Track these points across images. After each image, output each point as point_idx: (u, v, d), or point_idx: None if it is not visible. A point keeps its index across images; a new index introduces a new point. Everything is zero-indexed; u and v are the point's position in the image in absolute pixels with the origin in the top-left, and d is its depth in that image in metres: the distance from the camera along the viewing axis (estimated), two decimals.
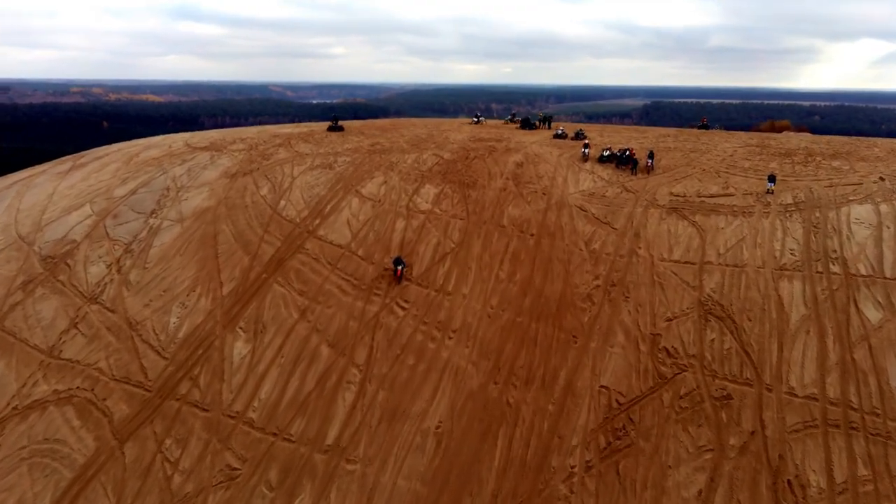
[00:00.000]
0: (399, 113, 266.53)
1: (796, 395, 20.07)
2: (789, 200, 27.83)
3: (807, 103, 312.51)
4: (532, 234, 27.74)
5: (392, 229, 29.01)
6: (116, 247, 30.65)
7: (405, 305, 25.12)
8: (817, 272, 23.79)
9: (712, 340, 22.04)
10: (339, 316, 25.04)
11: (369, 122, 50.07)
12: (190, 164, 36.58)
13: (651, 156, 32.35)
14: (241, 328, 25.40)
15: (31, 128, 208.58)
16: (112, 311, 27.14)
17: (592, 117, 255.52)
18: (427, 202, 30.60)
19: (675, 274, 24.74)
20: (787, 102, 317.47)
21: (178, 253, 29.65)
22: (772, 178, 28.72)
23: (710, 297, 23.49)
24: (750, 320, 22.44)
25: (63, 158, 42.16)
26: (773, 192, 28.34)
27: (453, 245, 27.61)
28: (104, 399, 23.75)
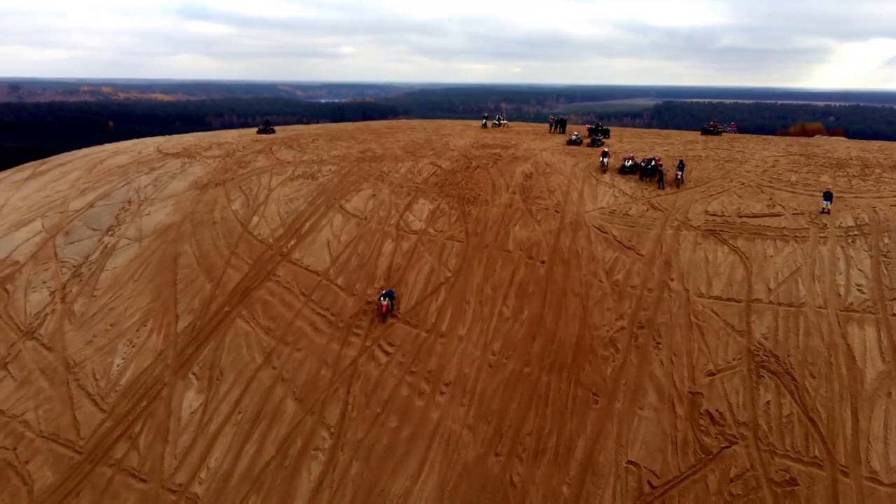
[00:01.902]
0: (407, 112, 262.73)
1: (881, 482, 15.66)
2: (850, 222, 23.35)
3: (821, 103, 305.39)
4: (542, 261, 23.42)
5: (378, 253, 24.79)
6: (64, 270, 26.66)
7: (389, 349, 20.90)
8: (893, 314, 19.35)
9: (767, 403, 17.65)
10: (310, 362, 20.86)
11: (363, 124, 46.05)
12: (158, 173, 32.58)
13: (681, 166, 27.93)
14: (194, 374, 21.29)
15: (36, 127, 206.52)
16: (49, 350, 23.13)
17: (603, 117, 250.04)
18: (420, 220, 26.36)
19: (717, 314, 20.34)
20: (800, 102, 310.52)
21: (131, 278, 25.62)
22: (827, 196, 24.23)
23: (762, 346, 19.08)
24: (814, 377, 18.03)
25: (24, 165, 38.37)
26: (829, 212, 23.88)
27: (449, 274, 23.35)
28: (26, 462, 19.70)
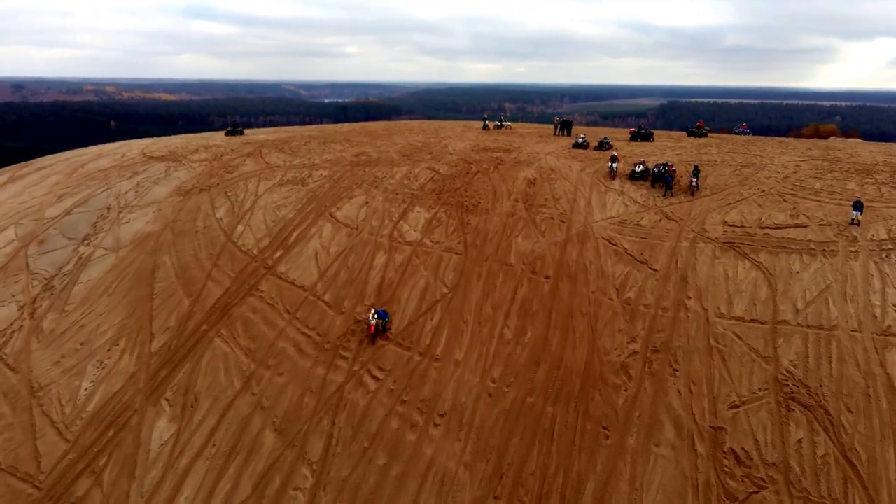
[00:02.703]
0: (411, 112, 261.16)
1: None
2: (883, 235, 21.44)
3: (827, 103, 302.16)
4: (547, 277, 21.57)
5: (370, 266, 22.98)
6: (35, 282, 24.96)
7: (379, 375, 19.08)
8: None
9: (799, 441, 15.76)
10: (293, 388, 19.06)
11: (359, 126, 44.23)
12: (140, 178, 30.86)
13: (696, 172, 26.03)
14: (167, 400, 19.52)
15: (37, 127, 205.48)
16: (13, 371, 21.41)
17: (608, 117, 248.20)
18: (416, 230, 24.54)
19: (740, 338, 18.45)
20: (806, 102, 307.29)
21: (106, 292, 23.89)
22: (857, 206, 22.30)
23: (791, 375, 17.19)
24: (850, 411, 16.13)
25: (4, 168, 36.68)
26: (859, 223, 21.97)
27: (446, 290, 21.52)
28: None
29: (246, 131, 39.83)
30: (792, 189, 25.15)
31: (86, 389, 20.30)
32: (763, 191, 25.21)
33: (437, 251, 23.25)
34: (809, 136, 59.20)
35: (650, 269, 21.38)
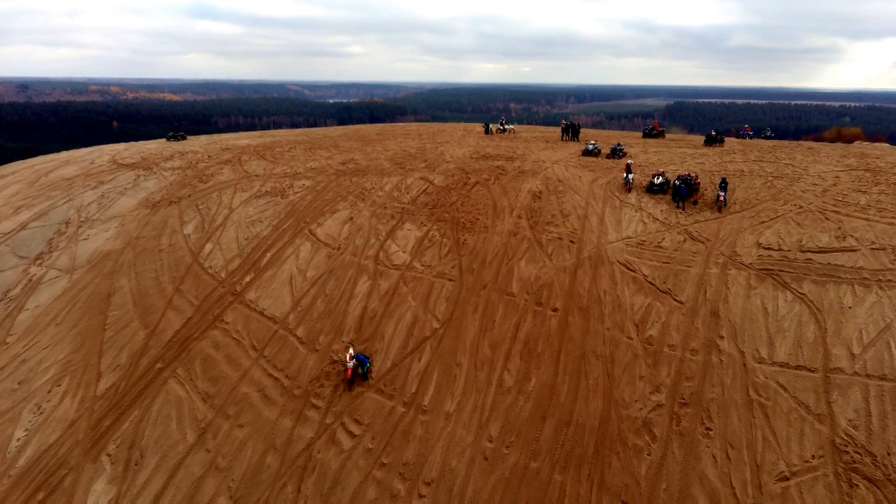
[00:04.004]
0: (416, 112, 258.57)
1: None
2: None
3: (835, 104, 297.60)
4: (555, 309, 18.60)
5: (350, 294, 20.06)
6: None
7: (355, 430, 16.14)
8: None
9: None
10: (254, 444, 16.15)
11: (351, 129, 41.30)
12: (106, 188, 28.06)
13: (723, 185, 22.98)
14: (108, 455, 16.65)
15: (38, 127, 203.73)
16: None
17: (614, 118, 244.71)
18: (404, 251, 21.62)
19: (785, 389, 15.43)
20: (814, 103, 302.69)
21: (54, 321, 21.08)
22: None
23: (851, 438, 14.16)
24: None
25: None
26: None
27: (436, 325, 18.57)
28: None
29: (240, 133, 37.02)
30: (834, 205, 22.07)
31: (18, 440, 17.46)
32: (801, 206, 22.15)
33: (427, 277, 20.30)
34: (832, 140, 55.95)
35: (675, 300, 18.38)
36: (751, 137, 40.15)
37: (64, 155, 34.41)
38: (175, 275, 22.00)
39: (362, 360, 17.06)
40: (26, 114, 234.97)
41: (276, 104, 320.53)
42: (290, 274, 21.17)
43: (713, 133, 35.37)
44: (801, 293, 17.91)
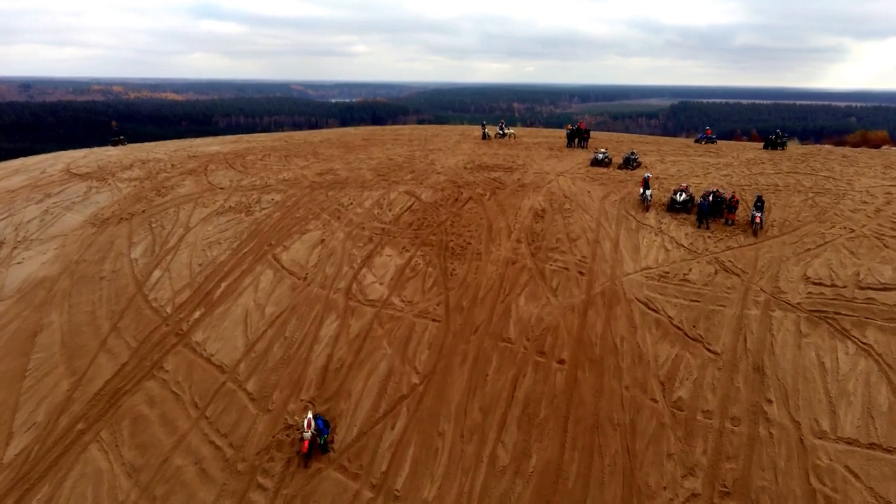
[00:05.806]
0: (418, 112, 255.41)
1: None
2: None
3: (842, 104, 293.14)
4: (561, 361, 15.22)
5: (314, 338, 16.72)
6: None
7: None
8: None
9: None
10: None
11: (335, 133, 37.87)
12: (52, 202, 24.82)
13: (759, 205, 19.55)
14: None
15: (35, 127, 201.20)
16: None
17: (618, 117, 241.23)
18: (382, 283, 18.28)
19: (856, 476, 12.03)
20: (821, 103, 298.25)
21: None
22: None
23: None
24: None
25: None
26: None
27: (416, 380, 15.21)
28: None
29: (212, 139, 33.80)
30: (892, 228, 18.64)
31: None
32: (852, 230, 18.72)
33: (408, 316, 16.94)
34: (856, 145, 52.41)
35: (708, 350, 14.98)
36: (713, 142, 33.41)
37: (17, 162, 31.21)
38: (114, 308, 18.71)
39: (322, 428, 13.72)
40: (24, 114, 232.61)
41: (277, 104, 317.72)
42: (245, 310, 17.85)
43: (774, 135, 31.30)
44: (865, 343, 14.50)
